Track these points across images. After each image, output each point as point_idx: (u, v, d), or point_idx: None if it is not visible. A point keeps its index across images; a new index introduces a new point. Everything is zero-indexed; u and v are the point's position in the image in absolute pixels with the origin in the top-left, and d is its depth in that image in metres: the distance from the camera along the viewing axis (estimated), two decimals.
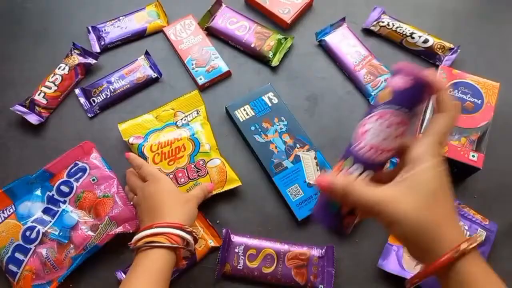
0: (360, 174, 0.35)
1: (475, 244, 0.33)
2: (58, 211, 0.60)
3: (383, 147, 0.35)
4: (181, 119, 0.66)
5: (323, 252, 0.59)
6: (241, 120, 0.68)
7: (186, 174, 0.62)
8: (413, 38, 0.75)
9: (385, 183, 0.35)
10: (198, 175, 0.62)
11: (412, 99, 0.34)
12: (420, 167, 0.34)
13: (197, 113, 0.67)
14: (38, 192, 0.62)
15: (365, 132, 0.35)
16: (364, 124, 0.35)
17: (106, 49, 0.77)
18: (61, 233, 0.59)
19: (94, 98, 0.72)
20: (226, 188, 0.63)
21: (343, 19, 0.78)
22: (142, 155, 0.62)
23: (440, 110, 0.36)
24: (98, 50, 0.77)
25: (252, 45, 0.76)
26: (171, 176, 0.62)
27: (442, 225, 0.33)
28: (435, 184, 0.34)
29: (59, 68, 0.73)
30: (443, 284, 0.34)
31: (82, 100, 0.72)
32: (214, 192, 0.62)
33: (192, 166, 0.62)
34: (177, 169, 0.62)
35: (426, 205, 0.33)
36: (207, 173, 0.62)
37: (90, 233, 0.59)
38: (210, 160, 0.63)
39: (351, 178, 0.35)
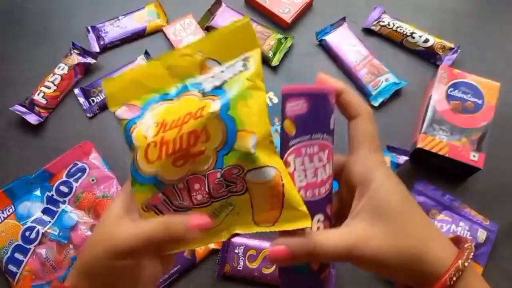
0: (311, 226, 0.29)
1: (470, 257, 0.29)
2: (57, 211, 0.60)
3: (317, 183, 0.30)
4: (213, 77, 0.32)
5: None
6: None
7: (206, 188, 0.31)
8: (413, 37, 0.75)
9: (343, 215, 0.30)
10: (230, 191, 0.31)
11: (318, 120, 0.29)
12: (372, 187, 0.29)
13: (243, 65, 0.32)
14: (38, 192, 0.62)
15: (291, 176, 0.30)
16: (286, 166, 0.30)
17: (106, 48, 0.77)
18: (60, 234, 0.59)
19: (94, 98, 0.72)
20: (282, 226, 0.30)
21: (343, 19, 0.78)
22: (130, 142, 0.32)
23: (351, 115, 0.31)
24: (98, 49, 0.77)
25: None
26: (180, 186, 0.31)
27: (428, 242, 0.29)
28: (396, 199, 0.29)
29: (58, 68, 0.73)
30: None
31: (82, 100, 0.72)
32: (245, 232, 0.32)
33: (218, 175, 0.30)
34: (191, 175, 0.31)
35: (399, 228, 0.29)
36: (247, 189, 0.31)
37: (89, 233, 0.59)
38: (254, 169, 0.30)
39: (308, 236, 0.29)
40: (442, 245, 0.30)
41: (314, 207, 0.29)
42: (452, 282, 0.28)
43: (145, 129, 0.31)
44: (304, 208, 0.29)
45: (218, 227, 0.32)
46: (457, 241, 0.31)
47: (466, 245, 0.30)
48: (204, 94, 0.31)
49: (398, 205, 0.29)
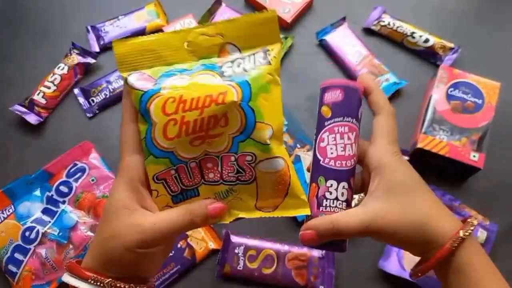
0: (337, 188, 0.36)
1: (472, 229, 0.33)
2: (57, 211, 0.60)
3: (345, 156, 0.36)
4: (233, 62, 0.33)
5: (324, 252, 0.59)
6: None
7: (219, 169, 0.33)
8: (413, 37, 0.74)
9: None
10: (239, 179, 0.33)
11: (350, 107, 0.37)
12: (386, 170, 0.34)
13: (264, 58, 0.33)
14: (38, 192, 0.62)
15: (324, 149, 0.36)
16: (319, 143, 0.37)
17: (106, 48, 0.77)
18: (60, 234, 0.58)
19: (93, 98, 0.72)
20: (282, 212, 0.34)
21: (344, 19, 0.77)
22: (147, 116, 0.32)
23: (376, 111, 0.37)
24: (98, 49, 0.77)
25: None
26: (192, 164, 0.33)
27: (433, 216, 0.33)
28: (408, 180, 0.35)
29: (58, 68, 0.73)
30: (443, 276, 0.35)
31: (81, 100, 0.72)
32: (248, 216, 0.34)
33: (232, 159, 0.32)
34: (206, 155, 0.32)
35: (409, 203, 0.33)
36: (255, 178, 0.33)
37: (89, 233, 0.59)
38: (267, 159, 0.33)
39: (332, 217, 0.34)
40: (447, 218, 0.34)
41: (340, 175, 0.36)
42: (454, 248, 0.32)
43: (163, 105, 0.31)
44: (305, 197, 0.34)
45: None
46: (463, 220, 0.35)
47: (469, 220, 0.34)
48: (223, 78, 0.32)
49: (409, 185, 0.34)
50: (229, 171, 0.33)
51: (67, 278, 0.33)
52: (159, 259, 0.35)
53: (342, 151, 0.36)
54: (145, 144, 0.32)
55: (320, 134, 0.37)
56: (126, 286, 0.32)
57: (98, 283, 0.31)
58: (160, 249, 0.34)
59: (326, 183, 0.36)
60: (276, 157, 0.33)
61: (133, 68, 0.33)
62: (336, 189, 0.36)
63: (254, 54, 0.33)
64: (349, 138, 0.36)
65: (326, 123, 0.37)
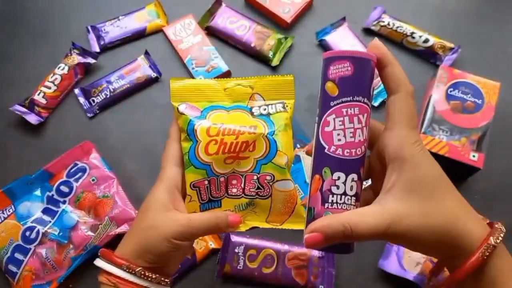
0: (345, 182, 0.31)
1: (502, 235, 0.29)
2: (57, 211, 0.60)
3: (355, 143, 0.31)
4: (260, 107, 0.43)
5: (323, 252, 0.59)
6: None
7: (242, 185, 0.40)
8: (413, 37, 0.75)
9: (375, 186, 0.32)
10: (258, 194, 0.41)
11: (361, 83, 0.31)
12: (407, 164, 0.30)
13: (283, 108, 0.43)
14: (38, 192, 0.62)
15: (330, 134, 0.32)
16: (324, 126, 0.32)
17: (106, 48, 0.77)
18: (60, 233, 0.59)
19: (94, 98, 0.72)
20: (287, 225, 0.42)
21: (344, 19, 0.78)
22: (192, 135, 0.40)
23: (393, 89, 0.31)
24: (98, 49, 0.77)
25: (252, 45, 0.75)
26: (221, 179, 0.40)
27: (459, 219, 0.30)
28: (432, 177, 0.30)
29: (58, 68, 0.73)
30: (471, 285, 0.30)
31: (82, 100, 0.72)
32: (260, 226, 0.41)
33: (255, 177, 0.40)
34: (233, 172, 0.41)
35: (434, 205, 0.29)
36: (270, 195, 0.41)
37: (90, 233, 0.59)
38: (282, 180, 0.40)
39: (343, 217, 0.30)
40: (475, 221, 0.30)
41: (349, 165, 0.31)
42: (485, 258, 0.28)
43: (208, 128, 0.40)
44: (304, 215, 0.37)
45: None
46: (489, 224, 0.32)
47: (497, 225, 0.31)
48: (253, 116, 0.42)
49: (433, 182, 0.30)
50: (251, 186, 0.41)
51: (100, 263, 0.37)
52: (180, 258, 0.41)
53: (351, 137, 0.31)
54: (188, 157, 0.40)
55: (325, 116, 0.32)
56: (154, 276, 0.36)
57: (130, 271, 0.35)
58: (186, 247, 0.38)
59: (332, 175, 0.31)
60: (289, 179, 0.41)
61: (182, 100, 0.42)
62: (344, 183, 0.31)
63: (275, 104, 0.43)
64: (359, 121, 0.31)
65: (332, 103, 0.32)
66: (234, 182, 0.41)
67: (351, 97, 0.31)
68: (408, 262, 0.58)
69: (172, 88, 0.43)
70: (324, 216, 0.31)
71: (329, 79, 0.32)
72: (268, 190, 0.41)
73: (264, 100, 0.43)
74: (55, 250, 0.58)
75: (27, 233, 0.58)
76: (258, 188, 0.41)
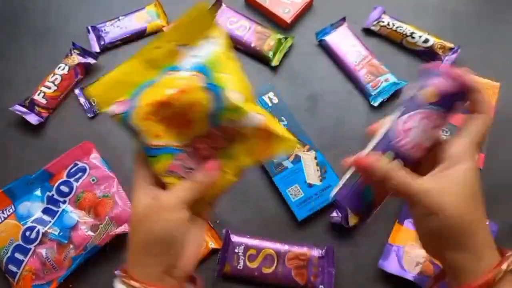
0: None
1: None
2: (58, 211, 0.60)
3: (424, 146, 0.36)
4: (188, 57, 0.37)
5: (323, 252, 0.59)
6: None
7: (211, 143, 0.38)
8: (413, 38, 0.75)
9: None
10: (229, 142, 0.38)
11: (456, 102, 0.36)
12: (462, 166, 0.34)
13: (214, 43, 0.38)
14: (38, 192, 0.62)
15: (409, 129, 0.36)
16: (407, 121, 0.36)
17: (106, 49, 0.77)
18: (61, 233, 0.59)
19: (94, 98, 0.72)
20: (277, 152, 0.38)
21: (343, 19, 0.78)
22: (132, 130, 0.36)
23: (476, 110, 0.36)
24: (98, 50, 0.77)
25: (252, 45, 0.75)
26: (190, 150, 0.37)
27: (479, 227, 0.33)
28: (474, 185, 0.34)
29: (58, 68, 0.73)
30: None
31: (82, 100, 0.72)
32: (250, 164, 0.39)
33: (217, 131, 0.37)
34: (195, 139, 0.38)
35: (468, 203, 0.33)
36: (242, 137, 0.38)
37: (90, 233, 0.59)
38: (245, 117, 0.36)
39: (394, 164, 0.35)
40: (487, 239, 0.34)
41: (408, 159, 0.37)
42: (496, 280, 0.32)
43: (143, 113, 0.35)
44: (290, 135, 0.37)
45: (226, 174, 0.39)
46: (500, 250, 0.35)
47: (507, 254, 0.33)
48: (185, 71, 0.36)
49: (474, 189, 0.34)
50: (220, 141, 0.37)
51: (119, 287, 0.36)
52: (193, 247, 0.38)
53: (424, 137, 0.37)
54: (145, 152, 0.36)
55: (407, 114, 0.37)
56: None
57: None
58: (188, 220, 0.36)
59: (393, 160, 0.36)
60: (251, 113, 0.36)
61: (111, 103, 0.36)
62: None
63: (204, 44, 0.37)
64: (438, 130, 0.37)
65: (424, 107, 0.36)
66: (202, 146, 0.38)
67: (445, 109, 0.36)
68: (408, 262, 0.58)
69: (94, 95, 0.38)
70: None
71: (429, 84, 0.36)
72: (237, 133, 0.37)
73: (191, 47, 0.38)
74: (55, 250, 0.58)
75: (27, 233, 0.58)
76: (226, 138, 0.38)
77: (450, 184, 0.34)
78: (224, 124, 0.36)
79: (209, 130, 0.37)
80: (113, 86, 0.37)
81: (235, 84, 0.36)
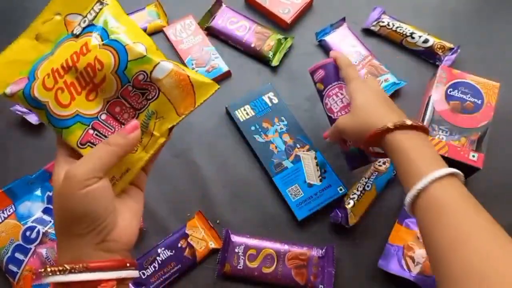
0: None
1: (402, 123, 0.47)
2: None
3: (344, 105, 0.57)
4: (79, 24, 0.36)
5: (323, 252, 0.59)
6: (241, 120, 0.68)
7: (127, 105, 0.35)
8: (413, 38, 0.75)
9: None
10: (147, 99, 0.35)
11: (332, 75, 0.58)
12: (352, 96, 0.54)
13: (100, 3, 0.36)
14: (38, 192, 0.62)
15: (331, 109, 0.58)
16: (326, 107, 0.59)
17: None
18: None
19: None
20: (199, 100, 0.36)
21: (343, 19, 0.78)
22: (36, 103, 0.34)
23: (341, 68, 0.57)
24: None
25: (252, 45, 0.76)
26: (104, 117, 0.35)
27: (377, 123, 0.48)
28: (359, 100, 0.52)
29: None
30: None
31: None
32: (176, 122, 0.36)
33: (130, 88, 0.35)
34: (108, 103, 0.35)
35: (359, 117, 0.52)
36: (159, 91, 0.35)
37: None
38: (154, 68, 0.35)
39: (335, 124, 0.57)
40: (392, 117, 0.49)
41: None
42: (393, 127, 0.47)
43: (43, 84, 0.34)
44: (209, 79, 0.36)
45: (153, 136, 0.37)
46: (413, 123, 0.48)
47: (406, 120, 0.47)
48: (77, 36, 0.35)
49: (360, 103, 0.52)
50: (136, 100, 0.35)
51: (49, 279, 0.32)
52: (127, 214, 0.36)
53: (341, 103, 0.57)
54: (53, 125, 0.34)
55: (324, 101, 0.59)
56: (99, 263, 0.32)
57: (73, 270, 0.32)
58: (115, 199, 0.35)
59: None
60: (160, 62, 0.34)
61: (7, 84, 0.35)
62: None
63: (92, 7, 0.36)
64: (342, 94, 0.57)
65: (324, 93, 0.59)
66: (117, 109, 0.35)
67: (330, 85, 0.58)
68: (408, 262, 0.58)
69: None
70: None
71: (317, 81, 0.60)
72: (153, 88, 0.35)
73: (81, 14, 0.36)
74: (56, 250, 0.58)
75: (28, 233, 0.58)
76: (143, 94, 0.35)
77: (351, 115, 0.53)
78: (134, 78, 0.34)
79: (121, 89, 0.35)
80: (6, 66, 0.36)
81: (135, 36, 0.35)
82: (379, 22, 0.77)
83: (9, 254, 0.58)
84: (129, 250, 0.36)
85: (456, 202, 0.39)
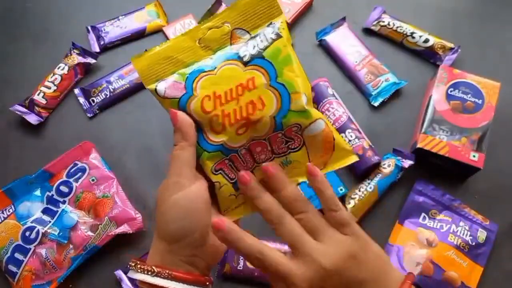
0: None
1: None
2: (57, 211, 0.60)
3: (337, 118, 0.65)
4: (247, 47, 0.34)
5: None
6: None
7: (269, 148, 0.35)
8: (413, 37, 0.75)
9: None
10: (289, 148, 0.35)
11: (321, 94, 0.66)
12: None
13: (273, 32, 0.34)
14: (38, 192, 0.62)
15: None
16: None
17: (106, 48, 0.77)
18: (60, 233, 0.59)
19: (94, 98, 0.72)
20: (332, 164, 0.36)
21: (344, 19, 0.78)
22: (191, 117, 0.34)
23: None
24: (98, 50, 0.77)
25: None
26: (243, 151, 0.35)
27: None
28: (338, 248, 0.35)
29: (58, 68, 0.73)
30: None
31: (82, 100, 0.72)
32: (304, 180, 0.36)
33: (280, 135, 0.34)
34: (253, 140, 0.34)
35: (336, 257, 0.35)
36: (303, 144, 0.35)
37: (89, 233, 0.59)
38: (311, 123, 0.34)
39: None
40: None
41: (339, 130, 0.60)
42: None
43: (201, 105, 0.33)
44: (349, 147, 0.35)
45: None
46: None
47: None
48: (245, 64, 0.34)
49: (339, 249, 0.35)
50: (279, 145, 0.34)
51: (132, 274, 0.34)
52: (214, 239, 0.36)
53: (333, 116, 0.64)
54: (199, 144, 0.34)
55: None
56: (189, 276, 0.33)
57: (160, 275, 0.33)
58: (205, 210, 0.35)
59: None
60: (317, 119, 0.34)
61: (156, 79, 0.35)
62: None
63: (263, 31, 0.34)
64: (333, 108, 0.64)
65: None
66: (258, 149, 0.34)
67: (321, 103, 0.66)
68: (408, 262, 0.57)
69: (138, 69, 0.35)
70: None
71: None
72: (298, 140, 0.34)
73: (249, 32, 0.35)
74: (55, 250, 0.58)
75: (27, 233, 0.58)
76: (287, 142, 0.34)
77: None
78: (288, 128, 0.34)
79: (272, 134, 0.34)
80: (159, 61, 0.35)
81: (301, 83, 0.34)
82: (379, 21, 0.77)
83: (8, 254, 0.58)
84: (209, 271, 0.37)
85: None
